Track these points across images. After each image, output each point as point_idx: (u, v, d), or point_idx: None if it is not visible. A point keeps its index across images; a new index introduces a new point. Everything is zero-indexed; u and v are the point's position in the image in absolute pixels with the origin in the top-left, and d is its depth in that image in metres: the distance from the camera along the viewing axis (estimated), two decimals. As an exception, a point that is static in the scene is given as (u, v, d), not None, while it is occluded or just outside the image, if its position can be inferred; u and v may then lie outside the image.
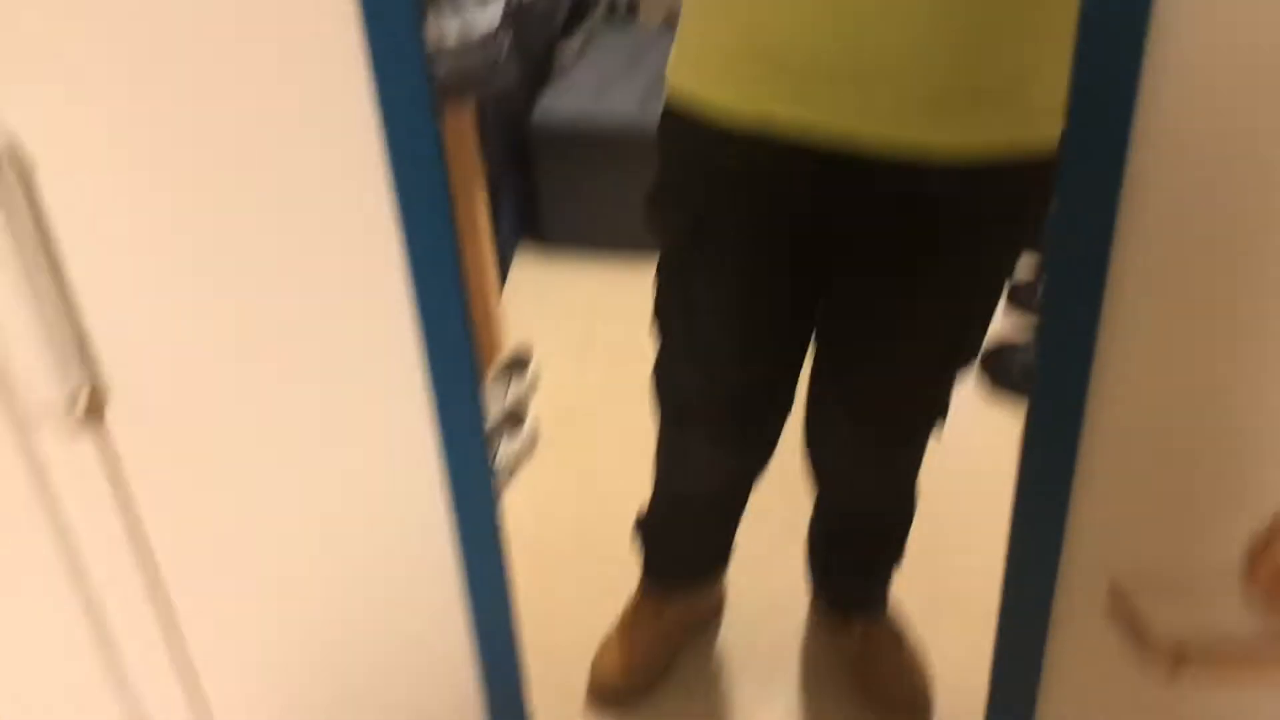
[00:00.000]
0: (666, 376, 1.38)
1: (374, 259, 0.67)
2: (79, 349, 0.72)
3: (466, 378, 0.69)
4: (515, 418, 2.02)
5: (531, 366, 2.17)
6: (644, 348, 1.42)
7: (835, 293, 1.27)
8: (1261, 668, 0.63)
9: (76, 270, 0.70)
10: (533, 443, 2.04)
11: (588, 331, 2.41)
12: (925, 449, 1.44)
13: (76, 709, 0.90)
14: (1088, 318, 0.63)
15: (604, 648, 1.61)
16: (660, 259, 1.29)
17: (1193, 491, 0.68)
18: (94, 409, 0.74)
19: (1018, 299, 2.40)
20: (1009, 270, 1.26)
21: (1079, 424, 0.67)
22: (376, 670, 0.89)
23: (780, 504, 1.76)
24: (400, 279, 0.67)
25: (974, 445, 1.98)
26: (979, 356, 1.32)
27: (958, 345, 1.28)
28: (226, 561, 0.82)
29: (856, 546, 1.56)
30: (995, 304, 1.27)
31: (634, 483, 1.58)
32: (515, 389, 2.06)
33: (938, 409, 1.36)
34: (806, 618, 1.72)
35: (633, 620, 1.62)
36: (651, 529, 1.59)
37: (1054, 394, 0.67)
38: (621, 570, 1.69)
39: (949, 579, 1.75)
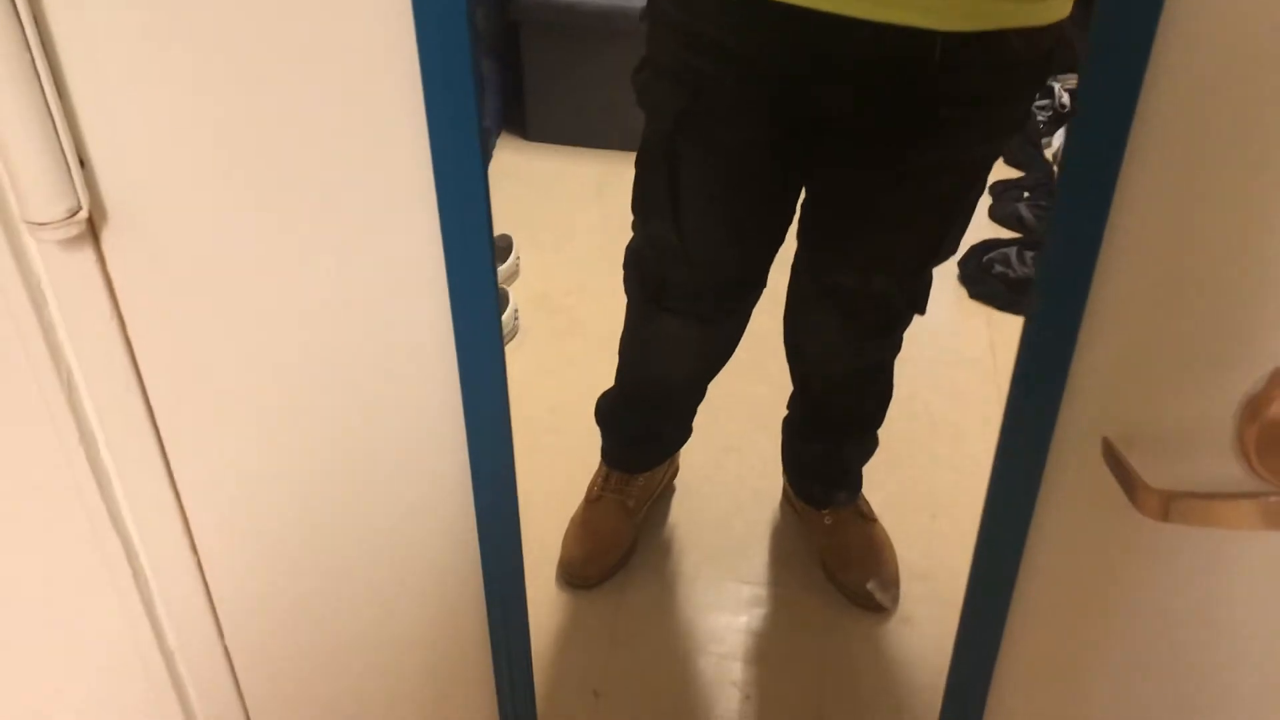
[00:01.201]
0: (643, 260, 1.38)
1: (387, 75, 0.65)
2: (78, 168, 0.70)
3: (476, 196, 0.68)
4: (495, 304, 2.01)
5: (512, 256, 2.16)
6: (622, 240, 1.41)
7: (820, 179, 1.27)
8: (1247, 515, 0.65)
9: (77, 89, 0.68)
10: (513, 331, 2.03)
11: (567, 223, 2.40)
12: (901, 343, 1.46)
13: (65, 537, 0.90)
14: (1104, 175, 0.63)
15: (570, 529, 1.64)
16: (644, 138, 1.27)
17: (1190, 352, 0.69)
18: (91, 229, 0.72)
19: (997, 210, 2.41)
20: (993, 157, 1.27)
21: (1087, 282, 0.67)
22: (372, 514, 0.89)
23: (754, 396, 1.77)
24: (412, 92, 0.65)
25: (949, 349, 2.00)
26: (958, 260, 1.33)
27: (939, 237, 1.30)
28: (220, 394, 0.81)
29: (831, 436, 1.59)
30: (976, 197, 1.28)
31: (610, 371, 1.59)
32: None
33: (916, 303, 1.37)
34: (779, 507, 1.75)
35: (596, 499, 1.64)
36: (613, 414, 1.61)
37: (1064, 253, 0.67)
38: (596, 455, 1.71)
39: (919, 475, 1.79)
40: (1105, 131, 0.61)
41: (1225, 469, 0.68)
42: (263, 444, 0.84)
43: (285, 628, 0.99)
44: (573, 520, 1.65)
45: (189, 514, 0.89)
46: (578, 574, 1.60)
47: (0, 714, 1.08)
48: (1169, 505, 0.64)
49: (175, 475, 0.86)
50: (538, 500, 1.63)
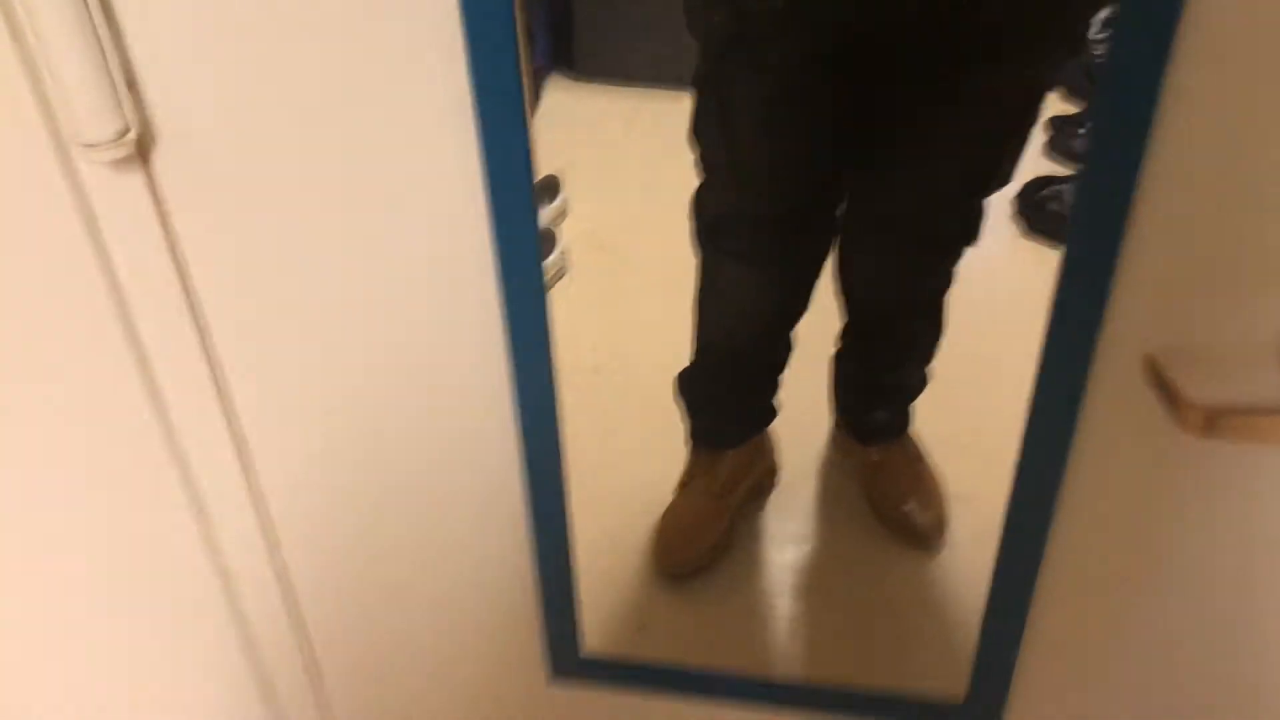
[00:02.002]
0: (702, 200, 1.37)
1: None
2: (126, 90, 0.71)
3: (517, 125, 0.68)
4: (545, 242, 2.01)
5: (562, 194, 2.16)
6: (673, 179, 1.40)
7: (870, 102, 1.25)
8: (1291, 431, 0.64)
9: (124, 10, 0.69)
10: (561, 269, 2.04)
11: (617, 162, 2.39)
12: (953, 276, 1.44)
13: (121, 460, 0.92)
14: (1148, 82, 0.62)
15: (664, 516, 1.61)
16: (696, 66, 1.27)
17: (1234, 268, 0.68)
18: (140, 151, 0.74)
19: (1055, 144, 2.35)
20: (1048, 84, 1.24)
21: (1129, 197, 0.66)
22: (420, 443, 0.91)
23: (799, 331, 1.76)
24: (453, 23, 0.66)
25: (1003, 284, 1.97)
26: (1014, 195, 1.31)
27: (992, 164, 1.28)
28: (269, 312, 0.83)
29: (881, 370, 1.58)
30: (1030, 126, 1.26)
31: (660, 311, 1.58)
32: (544, 214, 2.05)
33: (968, 233, 1.35)
34: (825, 446, 1.75)
35: (684, 484, 1.63)
36: (692, 384, 1.60)
37: (1107, 168, 0.66)
38: (641, 397, 1.71)
39: (967, 409, 1.77)
40: (1150, 36, 0.60)
41: (1268, 385, 0.67)
42: (313, 363, 0.86)
43: (341, 552, 1.01)
44: (665, 513, 1.63)
45: (244, 434, 0.91)
46: (664, 564, 1.57)
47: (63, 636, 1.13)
48: (1211, 422, 0.63)
49: (228, 396, 0.88)
50: (584, 438, 1.64)
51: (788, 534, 1.61)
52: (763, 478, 1.70)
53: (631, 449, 1.68)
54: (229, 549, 1.01)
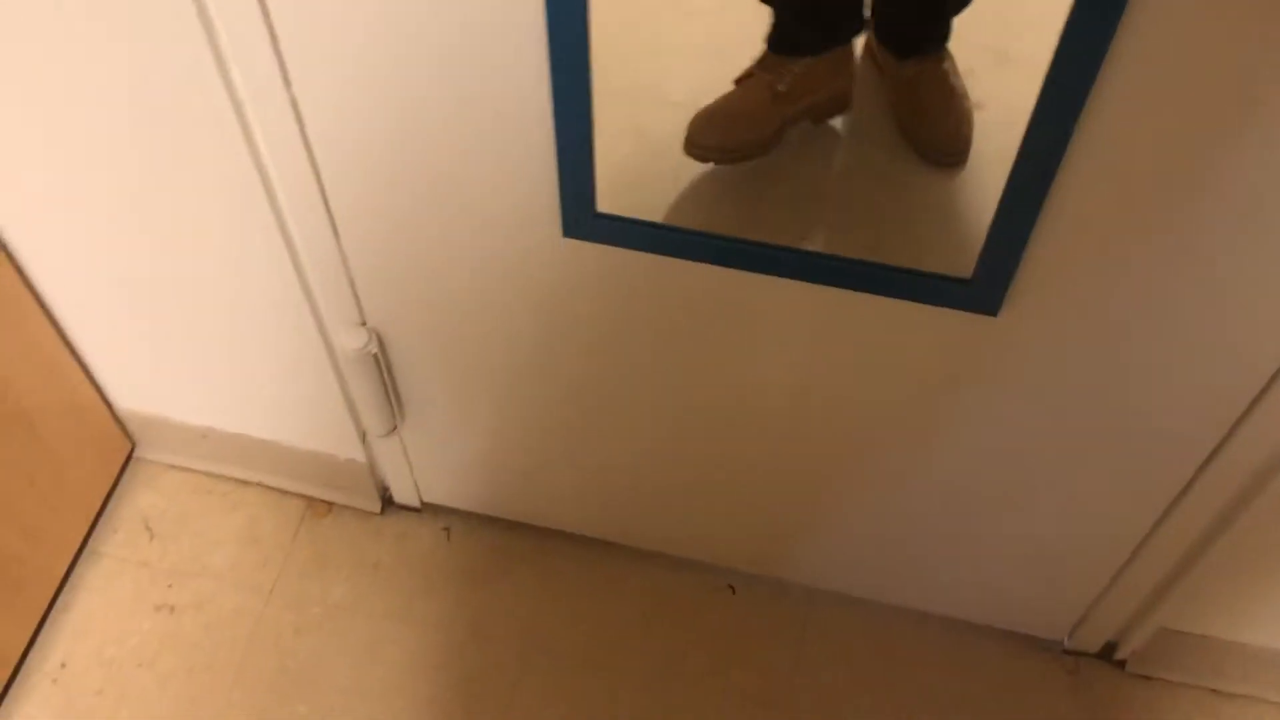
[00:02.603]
0: None
1: None
2: None
3: None
4: None
5: None
6: None
7: None
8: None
9: None
10: None
11: None
12: None
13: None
14: None
15: (713, 102, 1.53)
16: None
17: None
18: None
19: None
20: None
21: None
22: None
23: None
24: None
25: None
26: None
27: None
28: None
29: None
30: None
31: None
32: None
33: None
34: (857, 64, 1.69)
35: (743, 78, 1.55)
36: None
37: None
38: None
39: (1008, 31, 1.69)
40: None
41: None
42: None
43: (364, 111, 0.99)
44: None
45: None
46: (693, 139, 1.51)
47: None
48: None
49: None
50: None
51: (816, 143, 1.58)
52: (833, 98, 1.64)
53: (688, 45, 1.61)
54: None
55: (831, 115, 1.64)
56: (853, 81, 1.62)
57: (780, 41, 1.55)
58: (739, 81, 1.57)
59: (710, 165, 1.51)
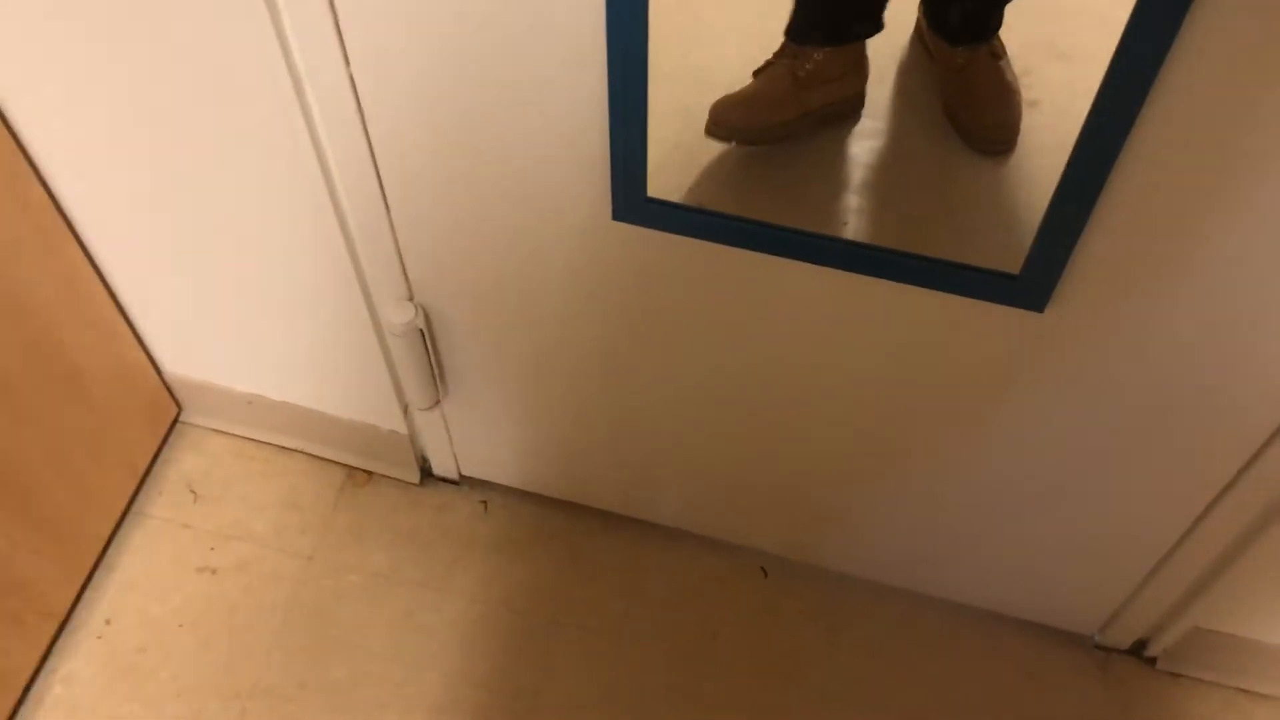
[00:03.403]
0: None
1: None
2: None
3: None
4: None
5: None
6: None
7: None
8: None
9: None
10: None
11: None
12: None
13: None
14: None
15: (738, 89, 1.55)
16: None
17: None
18: None
19: None
20: None
21: None
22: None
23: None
24: None
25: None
26: None
27: None
28: None
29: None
30: None
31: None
32: None
33: None
34: (907, 44, 1.68)
35: (764, 68, 1.55)
36: None
37: None
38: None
39: (1062, 22, 1.68)
40: None
41: None
42: None
43: (418, 86, 1.00)
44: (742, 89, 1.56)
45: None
46: (715, 120, 1.53)
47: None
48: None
49: None
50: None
51: (862, 130, 1.58)
52: (847, 98, 1.64)
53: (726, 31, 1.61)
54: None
55: (846, 117, 1.64)
56: (866, 85, 1.61)
57: (799, 31, 1.55)
58: (758, 73, 1.58)
59: (750, 148, 1.52)
